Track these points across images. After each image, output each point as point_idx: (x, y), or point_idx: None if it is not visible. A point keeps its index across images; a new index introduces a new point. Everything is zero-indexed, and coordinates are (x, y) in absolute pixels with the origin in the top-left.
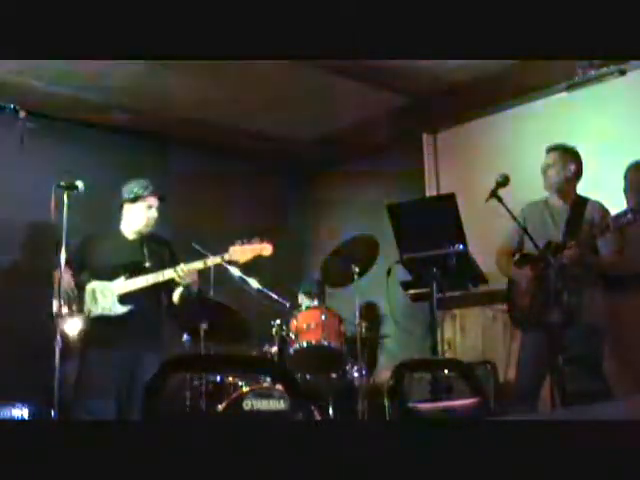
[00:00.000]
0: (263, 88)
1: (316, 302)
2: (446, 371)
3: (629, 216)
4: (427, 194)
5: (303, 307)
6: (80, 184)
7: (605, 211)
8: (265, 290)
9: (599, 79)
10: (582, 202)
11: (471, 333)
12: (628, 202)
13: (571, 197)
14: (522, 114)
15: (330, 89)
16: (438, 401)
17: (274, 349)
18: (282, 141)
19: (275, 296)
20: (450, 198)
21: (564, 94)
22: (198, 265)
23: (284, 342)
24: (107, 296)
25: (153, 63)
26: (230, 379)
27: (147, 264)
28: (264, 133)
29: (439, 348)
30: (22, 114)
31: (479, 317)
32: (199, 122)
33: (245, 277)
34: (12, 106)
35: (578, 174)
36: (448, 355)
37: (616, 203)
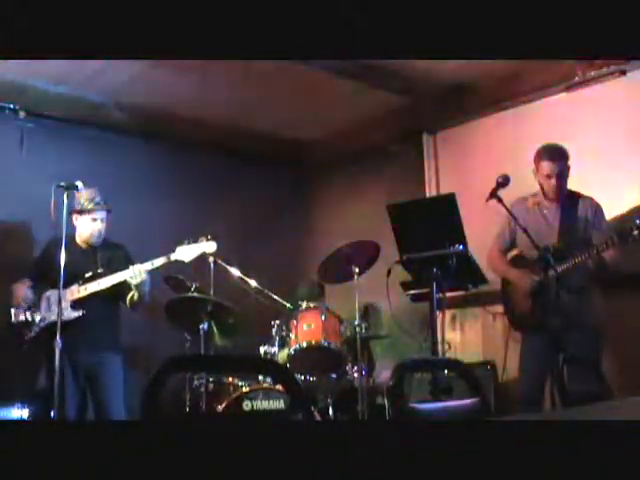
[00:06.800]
0: (263, 88)
1: (312, 304)
2: (446, 371)
3: (635, 233)
4: (427, 194)
5: (303, 307)
6: (80, 184)
7: (597, 206)
8: (265, 290)
9: (599, 79)
10: (574, 199)
11: (471, 333)
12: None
13: (563, 194)
14: (522, 114)
15: (330, 89)
16: (438, 401)
17: (274, 349)
18: (282, 141)
19: (275, 296)
20: (450, 198)
21: (564, 94)
22: (147, 266)
23: (284, 342)
24: (61, 303)
25: (152, 62)
26: (230, 379)
27: (99, 270)
28: (264, 133)
29: (439, 348)
30: (22, 114)
31: (479, 317)
32: (199, 122)
33: (245, 277)
34: (12, 106)
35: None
36: (448, 355)
37: (615, 203)
